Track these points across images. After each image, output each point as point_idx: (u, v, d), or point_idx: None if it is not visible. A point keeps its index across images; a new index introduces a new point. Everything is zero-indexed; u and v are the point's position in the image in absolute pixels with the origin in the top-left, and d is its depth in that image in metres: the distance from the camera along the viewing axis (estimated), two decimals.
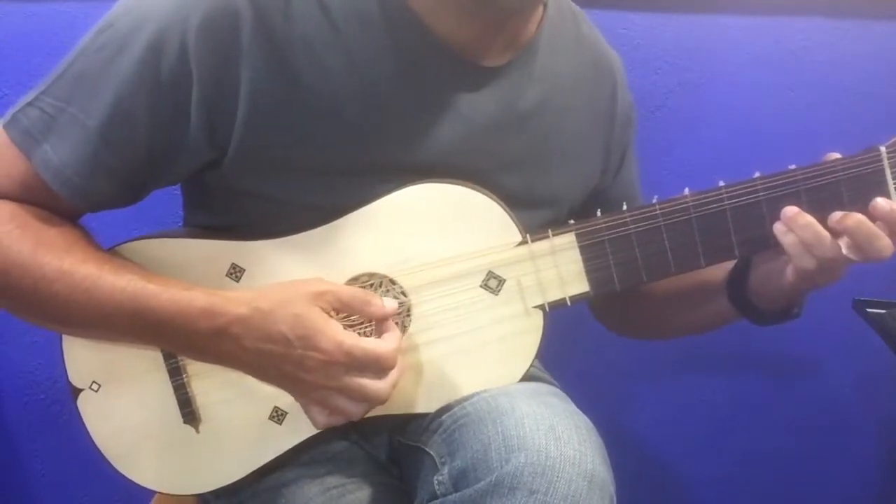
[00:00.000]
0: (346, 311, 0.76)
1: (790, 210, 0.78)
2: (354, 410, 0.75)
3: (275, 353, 0.72)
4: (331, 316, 0.74)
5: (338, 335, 0.72)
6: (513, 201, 0.80)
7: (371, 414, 0.79)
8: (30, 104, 0.75)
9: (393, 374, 0.74)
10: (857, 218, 0.76)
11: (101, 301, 0.73)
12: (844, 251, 0.77)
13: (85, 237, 0.79)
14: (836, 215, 0.77)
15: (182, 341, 0.75)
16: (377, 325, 0.77)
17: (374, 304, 0.75)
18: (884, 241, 0.76)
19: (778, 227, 0.79)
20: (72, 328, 0.81)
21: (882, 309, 1.15)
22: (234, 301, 0.73)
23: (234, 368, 0.77)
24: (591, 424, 0.75)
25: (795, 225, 0.77)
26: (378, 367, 0.73)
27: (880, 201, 0.77)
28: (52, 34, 1.18)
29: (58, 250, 0.74)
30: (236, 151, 0.75)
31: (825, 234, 0.77)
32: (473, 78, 0.80)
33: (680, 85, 1.32)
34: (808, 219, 0.77)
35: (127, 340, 0.79)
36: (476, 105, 0.80)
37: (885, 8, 1.29)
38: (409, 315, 0.80)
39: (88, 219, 0.82)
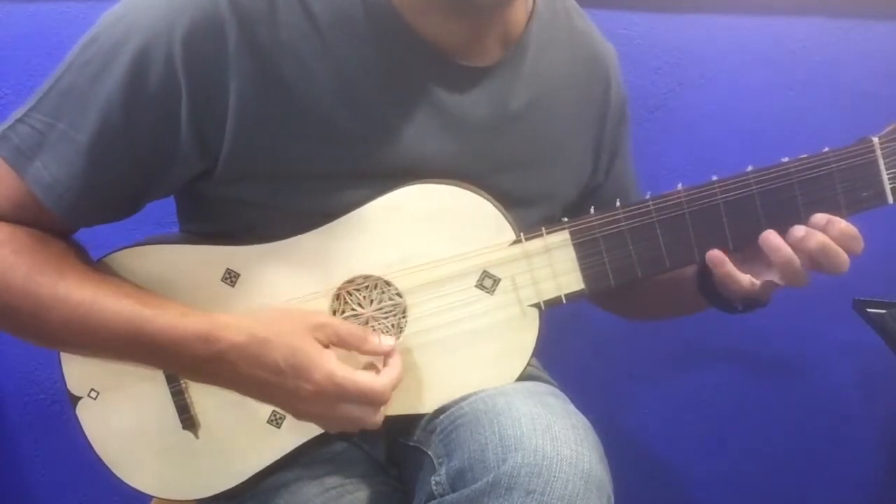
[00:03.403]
0: (342, 346, 0.76)
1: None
2: (349, 430, 0.77)
3: (269, 381, 0.73)
4: (328, 347, 0.74)
5: (330, 367, 0.72)
6: (507, 200, 0.80)
7: None
8: (19, 121, 0.74)
9: (385, 406, 0.75)
10: (820, 239, 0.76)
11: (97, 326, 0.73)
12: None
13: (80, 257, 0.78)
14: (800, 232, 0.77)
15: (178, 365, 0.76)
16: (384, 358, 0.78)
17: (370, 341, 0.76)
18: (843, 257, 0.77)
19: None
20: (70, 349, 0.81)
21: (882, 309, 1.15)
22: (232, 328, 0.73)
23: (230, 389, 0.77)
24: (588, 424, 0.75)
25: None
26: (368, 401, 0.74)
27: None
28: (52, 34, 1.18)
29: (53, 275, 0.73)
30: (227, 160, 0.75)
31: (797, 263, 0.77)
32: (462, 79, 0.79)
33: (680, 85, 1.32)
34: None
35: (124, 362, 0.78)
36: (466, 106, 0.80)
37: (885, 8, 1.29)
38: (404, 316, 0.80)
39: None
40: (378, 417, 0.75)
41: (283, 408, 0.78)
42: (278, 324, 0.74)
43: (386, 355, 0.77)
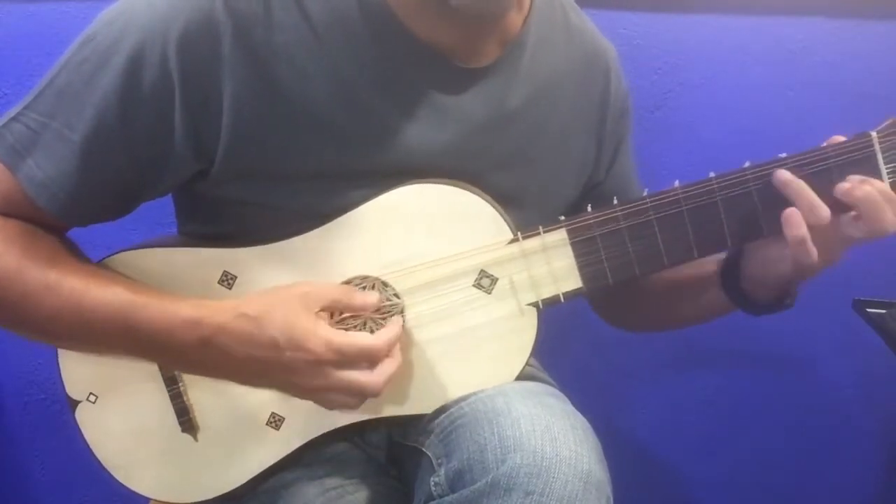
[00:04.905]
0: (332, 308, 0.76)
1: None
2: (352, 404, 0.75)
3: (264, 358, 0.72)
4: (320, 317, 0.74)
5: (326, 334, 0.72)
6: (505, 199, 0.80)
7: (368, 416, 0.80)
8: (13, 119, 0.74)
9: (385, 366, 0.74)
10: (867, 189, 0.76)
11: (88, 315, 0.73)
12: (847, 228, 0.77)
13: (71, 249, 0.78)
14: (844, 186, 0.77)
15: (170, 353, 0.75)
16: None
17: (357, 295, 0.76)
18: (889, 214, 0.76)
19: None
20: (62, 342, 0.80)
21: (882, 309, 1.15)
22: (220, 310, 0.73)
23: (224, 378, 0.77)
24: (587, 424, 0.75)
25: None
26: (368, 359, 0.73)
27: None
28: (52, 34, 1.19)
29: (43, 265, 0.73)
30: (223, 161, 0.75)
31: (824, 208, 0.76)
32: (459, 79, 0.79)
33: (680, 85, 1.32)
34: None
35: (117, 354, 0.78)
36: (463, 106, 0.80)
37: (885, 8, 1.29)
38: (402, 317, 0.80)
39: None
40: (380, 378, 0.73)
41: (280, 387, 0.76)
42: (266, 299, 0.74)
43: (365, 311, 0.77)
